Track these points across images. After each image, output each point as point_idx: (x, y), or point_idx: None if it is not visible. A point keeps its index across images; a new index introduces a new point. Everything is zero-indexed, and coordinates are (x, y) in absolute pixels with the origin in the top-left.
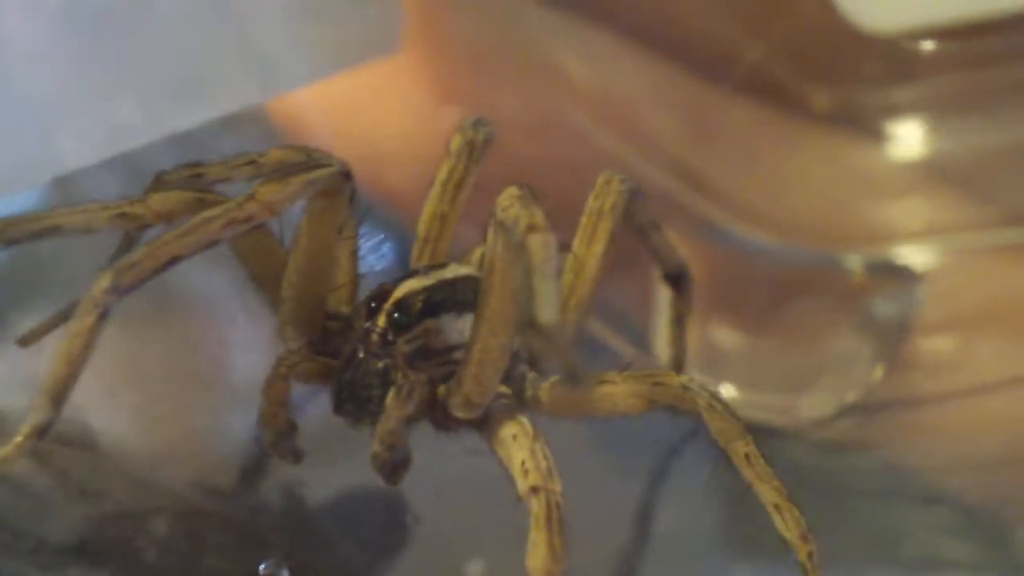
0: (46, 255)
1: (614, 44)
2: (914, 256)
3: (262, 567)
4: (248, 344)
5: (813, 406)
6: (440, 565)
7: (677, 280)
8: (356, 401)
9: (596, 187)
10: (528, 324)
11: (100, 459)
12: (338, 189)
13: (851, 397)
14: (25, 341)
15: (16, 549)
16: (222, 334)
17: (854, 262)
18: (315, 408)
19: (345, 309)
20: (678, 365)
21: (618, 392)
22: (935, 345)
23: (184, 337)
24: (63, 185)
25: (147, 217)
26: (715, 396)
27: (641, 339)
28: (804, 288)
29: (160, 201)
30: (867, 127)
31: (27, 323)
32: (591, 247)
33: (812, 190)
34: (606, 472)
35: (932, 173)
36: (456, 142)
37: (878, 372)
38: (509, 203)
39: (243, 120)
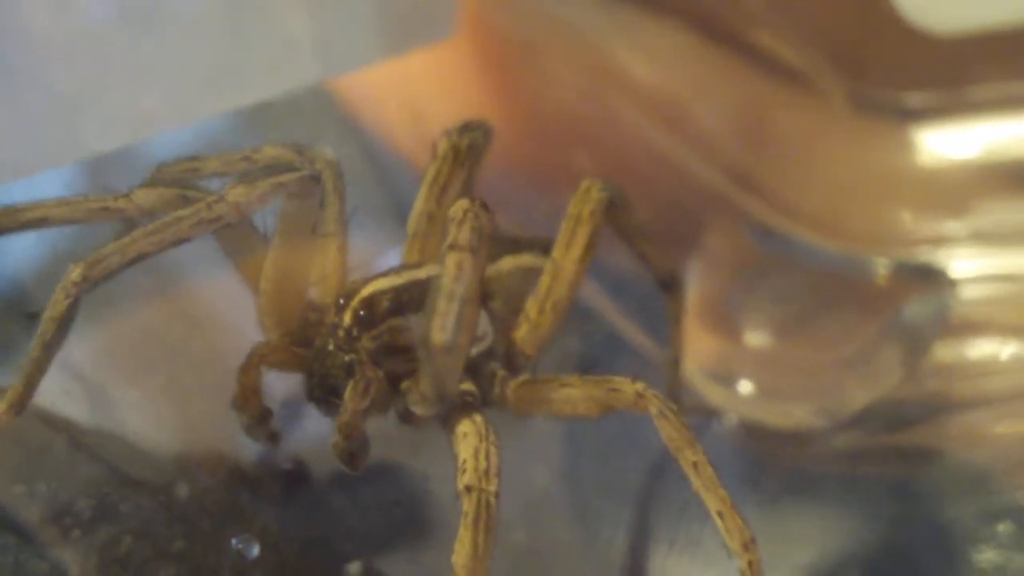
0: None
1: (668, 36)
2: (949, 260)
3: (234, 541)
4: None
5: (839, 410)
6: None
7: (668, 285)
8: (324, 391)
9: (577, 193)
10: (423, 338)
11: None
12: (309, 191)
13: (878, 402)
14: (34, 315)
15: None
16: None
17: (883, 264)
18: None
19: (328, 301)
20: (674, 365)
21: (576, 395)
22: (965, 350)
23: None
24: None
25: (129, 211)
26: (667, 404)
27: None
28: (837, 288)
29: (143, 197)
30: (911, 127)
31: None
32: (569, 252)
33: (848, 189)
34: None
35: (973, 177)
36: (443, 145)
37: (907, 377)
38: (454, 214)
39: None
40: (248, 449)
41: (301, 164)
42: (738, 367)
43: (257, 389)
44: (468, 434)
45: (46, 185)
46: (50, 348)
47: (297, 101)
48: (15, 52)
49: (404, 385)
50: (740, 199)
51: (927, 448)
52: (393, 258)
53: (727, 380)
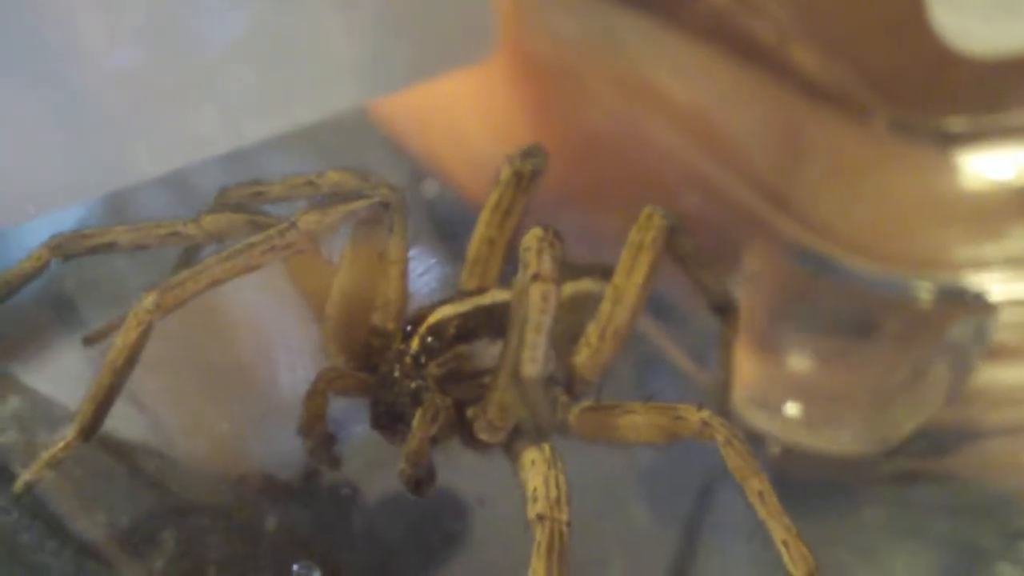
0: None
1: (707, 58)
2: (990, 284)
3: (296, 567)
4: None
5: (886, 436)
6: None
7: (723, 310)
8: (390, 418)
9: (639, 220)
10: (511, 372)
11: (147, 456)
12: (378, 218)
13: (921, 426)
14: (90, 340)
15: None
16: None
17: (926, 288)
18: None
19: (391, 326)
20: (724, 388)
21: (641, 423)
22: (1007, 375)
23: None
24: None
25: (199, 237)
26: (733, 433)
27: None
28: (879, 312)
29: (212, 222)
30: (950, 150)
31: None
32: (630, 278)
33: (889, 212)
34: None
35: (1011, 200)
36: (505, 172)
37: (950, 402)
38: (529, 243)
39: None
40: (305, 474)
41: (365, 190)
42: (782, 392)
43: (323, 415)
44: (536, 461)
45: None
46: (121, 375)
47: (340, 123)
48: (74, 76)
49: (470, 411)
50: (779, 221)
51: (969, 473)
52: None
53: (771, 405)
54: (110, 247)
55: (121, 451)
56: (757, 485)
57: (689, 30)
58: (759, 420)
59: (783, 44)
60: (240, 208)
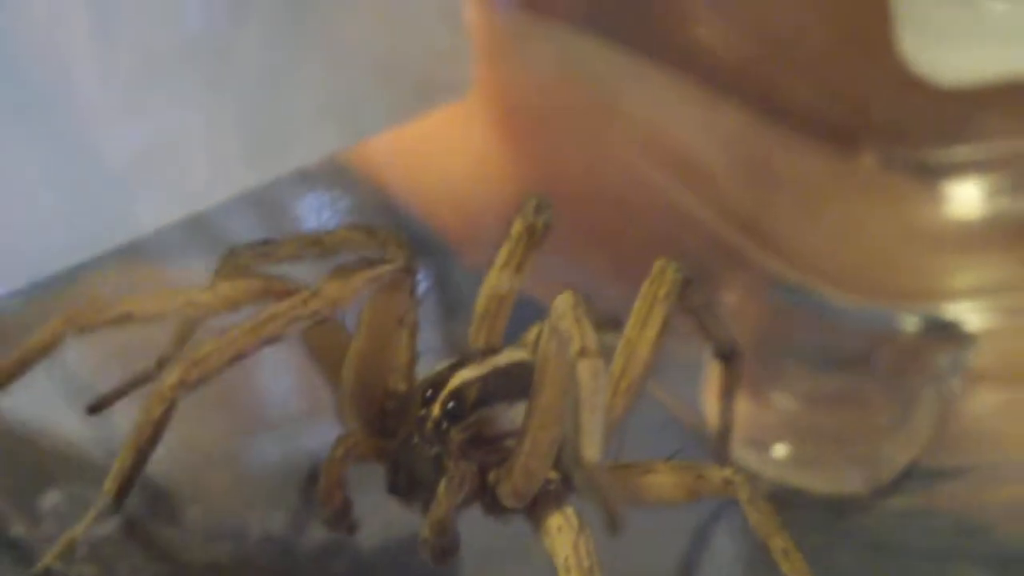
0: None
1: (679, 87)
2: (972, 315)
3: None
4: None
5: (873, 473)
6: None
7: (727, 357)
8: (409, 485)
9: (651, 273)
10: (572, 458)
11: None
12: (400, 283)
13: (909, 462)
14: (95, 408)
15: None
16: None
17: (911, 321)
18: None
19: (402, 387)
20: (725, 437)
21: (663, 482)
22: (991, 408)
23: None
24: None
25: (215, 305)
26: (757, 491)
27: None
28: (865, 346)
29: (228, 289)
30: (927, 181)
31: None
32: (644, 332)
33: (869, 243)
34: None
35: (990, 232)
36: (517, 227)
37: (936, 435)
38: (564, 312)
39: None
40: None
41: (374, 247)
42: (770, 431)
43: (342, 483)
44: (563, 528)
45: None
46: (144, 454)
47: (327, 168)
48: (67, 126)
49: (491, 476)
50: (759, 255)
51: (958, 509)
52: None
53: (759, 444)
54: (126, 318)
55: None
56: (781, 543)
57: (667, 62)
58: (748, 459)
59: (758, 73)
60: (251, 270)
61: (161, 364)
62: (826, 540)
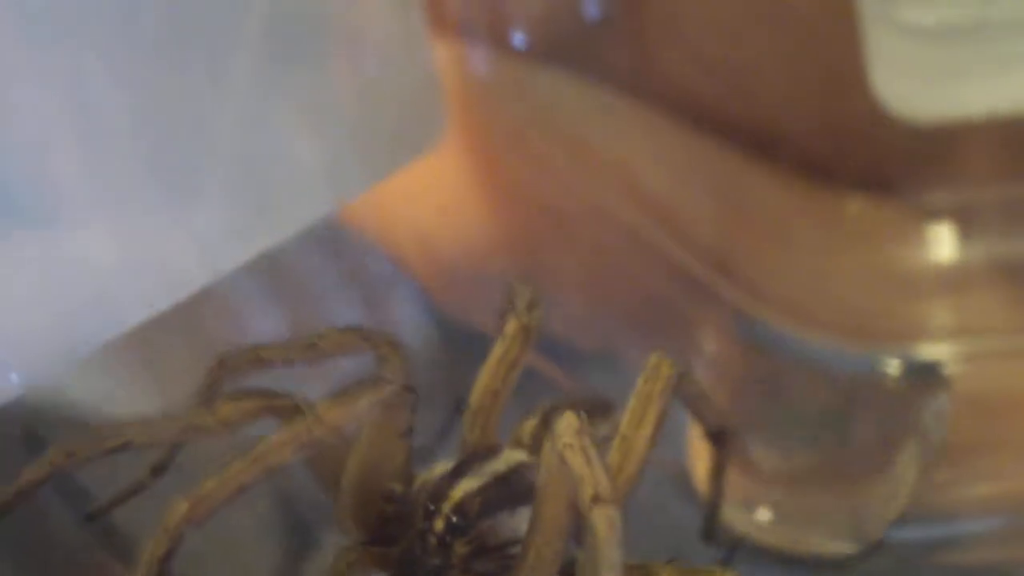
0: None
1: (651, 125)
2: (946, 355)
3: None
4: None
5: (861, 530)
6: None
7: (718, 439)
8: None
9: (646, 369)
10: None
11: None
12: (400, 402)
13: (897, 516)
14: (93, 515)
15: None
16: None
17: (892, 364)
18: None
19: (398, 488)
20: (714, 512)
21: None
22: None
23: None
24: None
25: (215, 428)
26: None
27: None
28: (847, 393)
29: (228, 411)
30: (904, 223)
31: None
32: (639, 430)
33: (845, 284)
34: None
35: (969, 274)
36: (511, 326)
37: (924, 486)
38: (570, 440)
39: None
40: None
41: (368, 349)
42: (754, 490)
43: None
44: None
45: None
46: None
47: (313, 237)
48: (47, 221)
49: None
50: (736, 298)
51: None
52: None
53: (742, 504)
54: (126, 446)
55: None
56: None
57: (639, 100)
58: (735, 521)
59: (731, 110)
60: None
61: (156, 471)
62: None
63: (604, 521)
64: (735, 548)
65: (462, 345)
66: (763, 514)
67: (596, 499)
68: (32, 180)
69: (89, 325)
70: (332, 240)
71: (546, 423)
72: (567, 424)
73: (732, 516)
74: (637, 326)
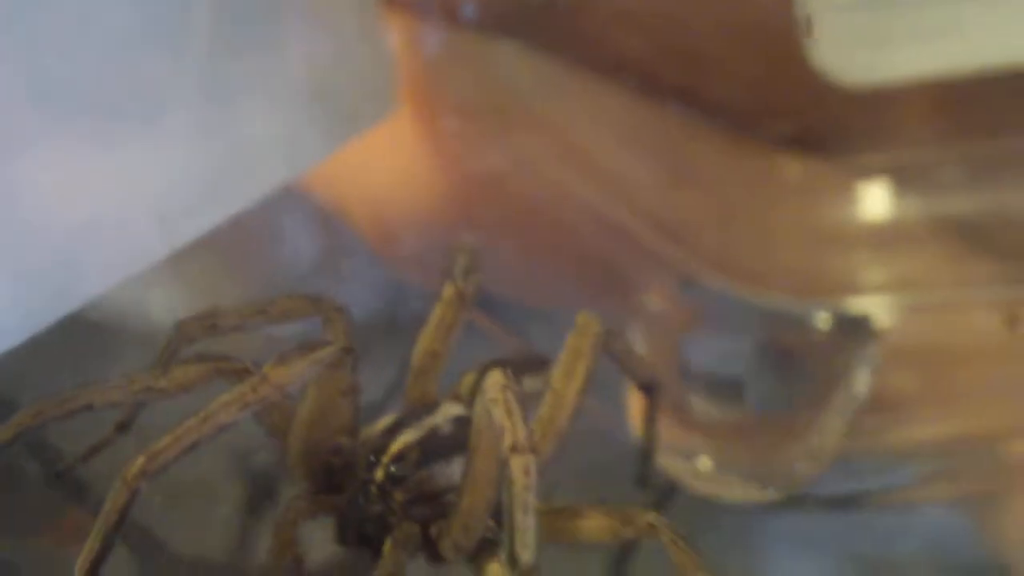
0: None
1: (599, 94)
2: (878, 309)
3: None
4: None
5: (792, 483)
6: None
7: (647, 389)
8: (356, 537)
9: (576, 326)
10: (508, 557)
11: None
12: (341, 362)
13: (829, 460)
14: (62, 472)
15: None
16: None
17: (823, 317)
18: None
19: (345, 441)
20: (648, 457)
21: (591, 525)
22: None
23: None
24: None
25: (171, 389)
26: (677, 533)
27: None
28: (780, 344)
29: (181, 374)
30: (838, 182)
31: None
32: (569, 383)
33: (782, 242)
34: None
35: (899, 231)
36: (448, 291)
37: (849, 436)
38: (495, 395)
39: None
40: None
41: (314, 313)
42: (689, 440)
43: (294, 542)
44: (501, 574)
45: None
46: (111, 538)
47: (270, 207)
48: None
49: (433, 530)
50: (677, 256)
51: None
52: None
53: (678, 452)
54: (87, 408)
55: None
56: None
57: (587, 70)
58: (673, 469)
59: (675, 79)
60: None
61: (119, 428)
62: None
63: (520, 467)
64: (667, 494)
65: (411, 306)
66: (695, 462)
67: (514, 448)
68: None
69: (48, 294)
70: (289, 209)
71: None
72: (493, 380)
73: (666, 464)
74: (582, 287)
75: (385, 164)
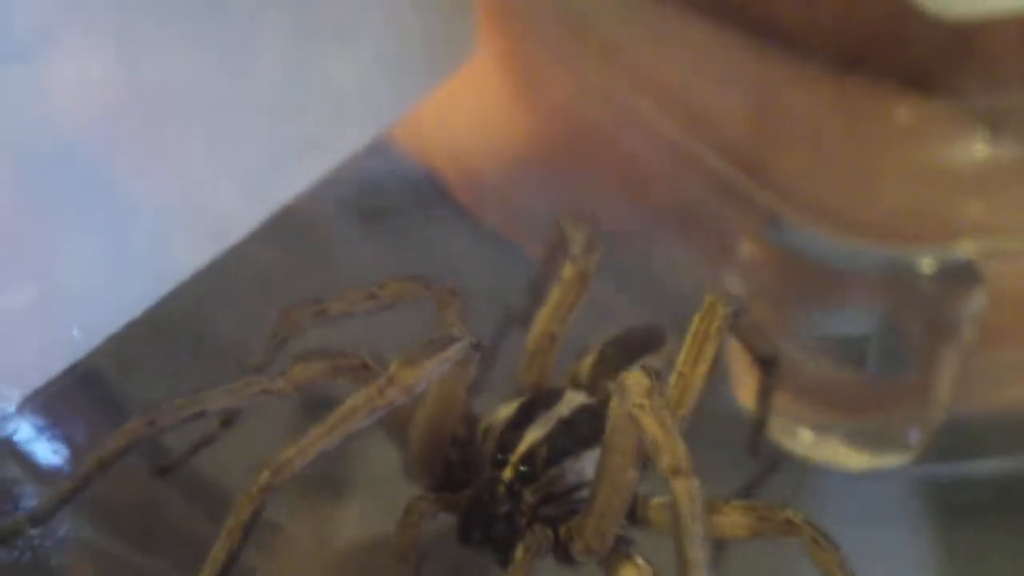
0: None
1: (681, 26)
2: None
3: None
4: None
5: (904, 441)
6: None
7: (767, 365)
8: (482, 538)
9: (703, 308)
10: None
11: None
12: (469, 358)
13: (941, 418)
14: (163, 470)
15: None
16: None
17: (926, 264)
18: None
19: (461, 431)
20: (759, 431)
21: (726, 522)
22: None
23: None
24: None
25: (288, 390)
26: (816, 529)
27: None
28: (885, 297)
29: (300, 373)
30: (935, 121)
31: None
32: (696, 367)
33: (877, 184)
34: None
35: (998, 173)
36: (569, 271)
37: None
38: (639, 399)
39: None
40: None
41: (427, 296)
42: (795, 405)
43: (417, 542)
44: None
45: None
46: (235, 553)
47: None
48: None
49: (563, 531)
50: (765, 197)
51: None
52: None
53: (786, 419)
54: (201, 415)
55: None
56: None
57: (672, 3)
58: (782, 438)
59: (761, 8)
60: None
61: (224, 423)
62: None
63: (685, 494)
64: (778, 461)
65: (503, 254)
66: (805, 426)
67: (676, 471)
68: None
69: (144, 278)
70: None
71: (603, 360)
72: (637, 383)
73: (780, 437)
74: (672, 231)
75: (467, 111)
